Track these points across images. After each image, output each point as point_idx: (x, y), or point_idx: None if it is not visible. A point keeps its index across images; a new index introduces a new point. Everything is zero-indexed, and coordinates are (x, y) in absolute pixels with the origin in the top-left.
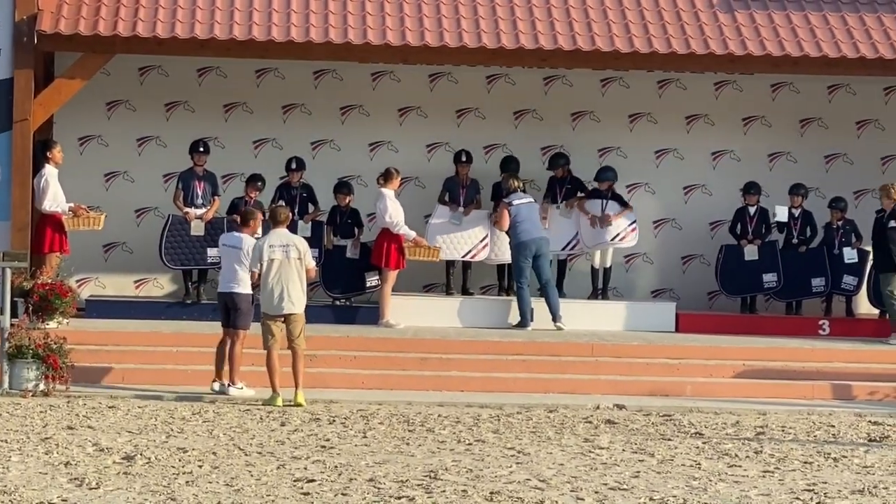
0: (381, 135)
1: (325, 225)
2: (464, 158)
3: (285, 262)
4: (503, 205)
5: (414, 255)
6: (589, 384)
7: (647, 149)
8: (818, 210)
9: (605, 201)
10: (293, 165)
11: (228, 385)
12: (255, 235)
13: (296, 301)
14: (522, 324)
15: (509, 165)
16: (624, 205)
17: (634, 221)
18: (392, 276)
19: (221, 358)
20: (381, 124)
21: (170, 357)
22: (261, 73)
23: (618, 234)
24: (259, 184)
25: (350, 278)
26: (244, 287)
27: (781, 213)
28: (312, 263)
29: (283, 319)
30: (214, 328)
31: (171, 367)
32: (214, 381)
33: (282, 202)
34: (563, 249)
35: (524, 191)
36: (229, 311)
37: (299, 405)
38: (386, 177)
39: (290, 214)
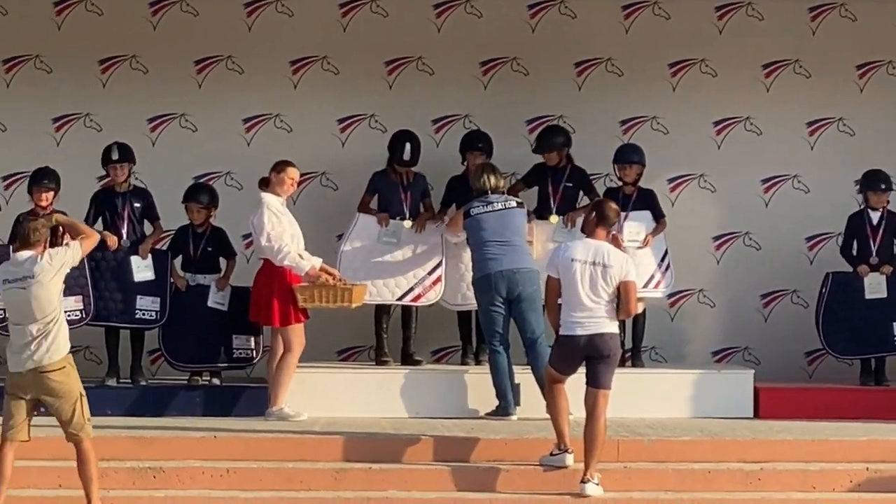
0: (263, 103)
1: (168, 255)
2: (407, 155)
3: (24, 298)
4: (458, 212)
5: (316, 300)
6: None
7: (701, 118)
8: None
9: (624, 212)
10: (114, 155)
11: None
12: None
13: (50, 349)
14: (502, 410)
15: (476, 148)
16: (658, 216)
17: (666, 254)
18: (292, 338)
19: None
20: (263, 85)
21: None
22: (63, 7)
23: (651, 278)
24: (49, 183)
25: (212, 341)
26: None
27: None
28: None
29: (31, 390)
30: None
31: None
32: None
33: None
34: None
35: (504, 192)
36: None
37: None
38: (272, 174)
39: (47, 230)
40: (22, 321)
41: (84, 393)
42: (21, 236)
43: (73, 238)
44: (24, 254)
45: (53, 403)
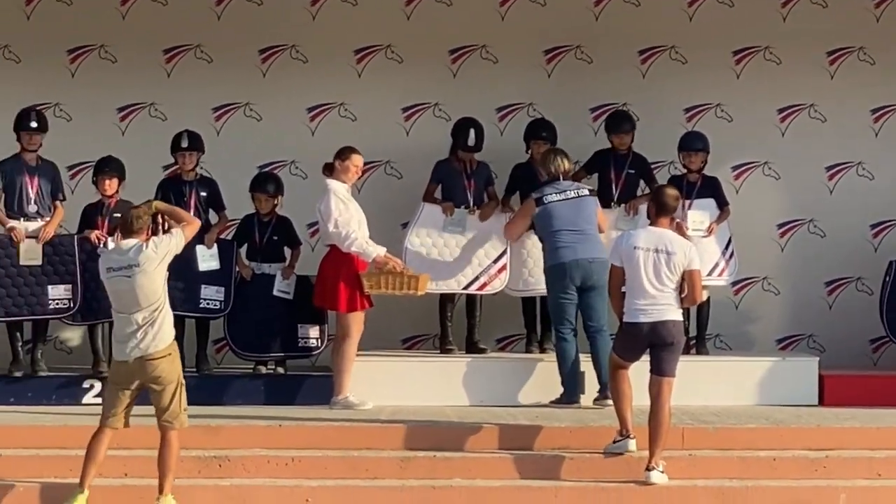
0: (327, 92)
1: (234, 244)
2: (471, 141)
3: (129, 286)
4: (529, 200)
5: (383, 286)
6: (679, 495)
7: (765, 105)
8: None
9: (688, 200)
10: (184, 143)
11: None
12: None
13: (156, 337)
14: (568, 398)
15: (540, 136)
16: (722, 203)
17: (730, 242)
18: (351, 325)
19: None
20: (327, 74)
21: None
22: None
23: (715, 266)
24: (111, 170)
25: (277, 330)
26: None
27: None
28: (181, 228)
29: (137, 377)
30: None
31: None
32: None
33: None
34: None
35: (575, 178)
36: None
37: None
38: (336, 161)
39: (149, 218)
40: (126, 310)
41: (183, 382)
42: (124, 224)
43: (173, 226)
44: (129, 242)
45: (157, 390)
